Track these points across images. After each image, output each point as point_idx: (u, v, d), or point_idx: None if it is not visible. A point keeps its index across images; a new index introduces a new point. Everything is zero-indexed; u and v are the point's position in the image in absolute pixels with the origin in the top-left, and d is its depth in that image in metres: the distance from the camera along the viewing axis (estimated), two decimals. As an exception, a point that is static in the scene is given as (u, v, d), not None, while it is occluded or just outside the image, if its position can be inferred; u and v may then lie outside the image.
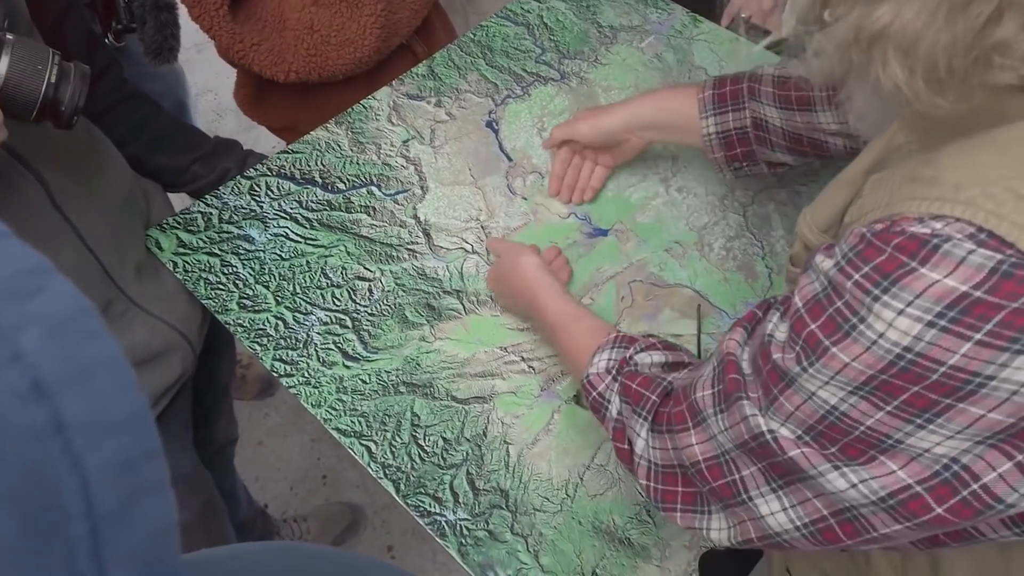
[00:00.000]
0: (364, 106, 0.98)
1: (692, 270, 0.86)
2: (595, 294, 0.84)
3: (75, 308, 0.20)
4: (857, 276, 0.40)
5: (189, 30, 1.07)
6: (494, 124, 0.97)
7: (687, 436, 0.52)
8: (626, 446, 0.58)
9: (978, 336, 0.36)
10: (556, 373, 0.78)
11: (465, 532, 0.69)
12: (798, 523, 0.47)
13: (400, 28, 1.04)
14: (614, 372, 0.61)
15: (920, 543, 0.47)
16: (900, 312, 0.38)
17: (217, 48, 1.02)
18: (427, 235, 0.88)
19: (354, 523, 1.51)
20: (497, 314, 0.82)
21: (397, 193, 0.91)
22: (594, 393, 0.61)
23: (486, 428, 0.75)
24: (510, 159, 0.94)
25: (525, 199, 0.91)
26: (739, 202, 0.90)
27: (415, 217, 0.89)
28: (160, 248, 0.85)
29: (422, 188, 0.91)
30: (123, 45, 1.19)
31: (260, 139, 2.14)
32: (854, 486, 0.43)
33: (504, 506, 0.71)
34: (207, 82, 2.09)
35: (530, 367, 0.79)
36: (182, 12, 1.06)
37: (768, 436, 0.46)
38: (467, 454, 0.73)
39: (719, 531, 0.53)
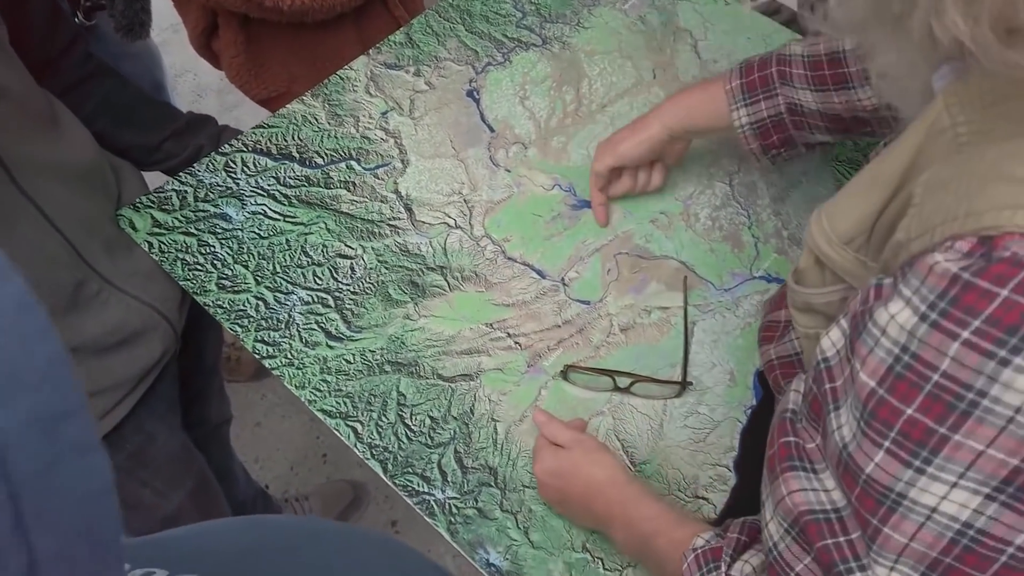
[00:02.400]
0: (341, 77, 0.95)
1: (678, 241, 0.85)
2: (580, 267, 0.83)
3: (18, 304, 0.18)
4: (966, 334, 0.30)
5: (164, 10, 1.04)
6: (475, 93, 0.95)
7: None
8: None
9: None
10: (543, 348, 0.78)
11: (454, 511, 0.69)
12: None
13: None
14: None
15: None
16: None
17: None
18: (409, 210, 0.86)
19: (357, 500, 1.52)
20: (482, 290, 0.81)
21: (377, 167, 0.89)
22: None
23: (473, 406, 0.75)
24: (492, 130, 0.92)
25: (508, 171, 0.89)
26: (725, 170, 0.89)
27: (396, 192, 0.87)
28: (134, 228, 0.82)
29: (403, 162, 0.89)
30: (94, 24, 1.15)
31: (242, 120, 2.09)
32: None
33: (493, 483, 0.71)
34: (185, 63, 2.03)
35: (516, 343, 0.78)
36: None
37: None
38: (454, 432, 0.73)
39: None
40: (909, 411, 0.32)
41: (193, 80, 2.19)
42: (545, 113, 0.94)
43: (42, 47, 0.78)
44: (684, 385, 0.74)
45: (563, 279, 0.82)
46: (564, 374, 0.75)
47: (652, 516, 0.59)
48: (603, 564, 0.67)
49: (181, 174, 0.86)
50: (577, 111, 0.94)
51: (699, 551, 0.53)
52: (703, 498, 0.70)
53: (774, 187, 0.88)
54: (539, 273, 0.82)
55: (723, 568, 0.50)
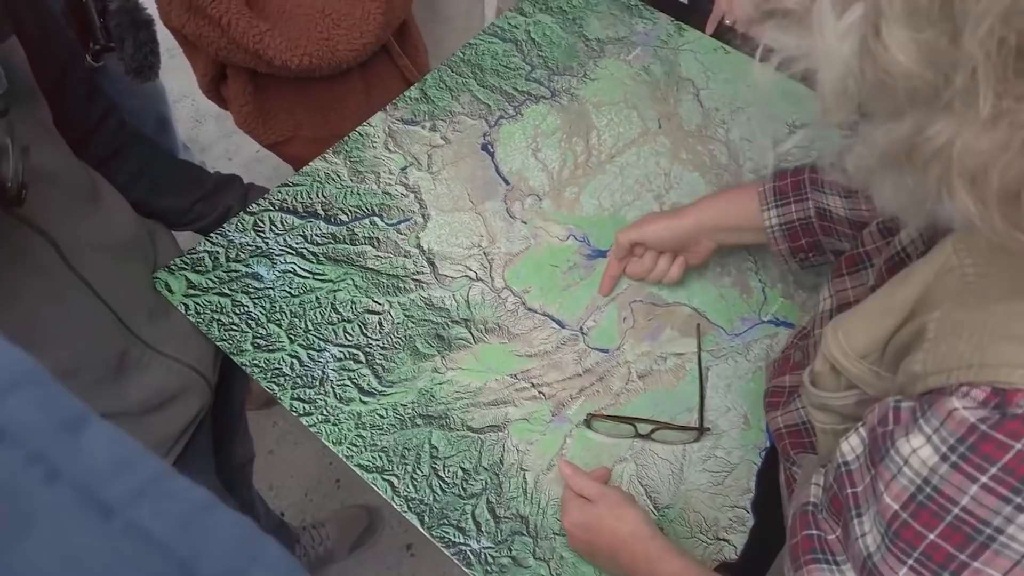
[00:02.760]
0: (360, 133, 0.99)
1: (689, 288, 0.89)
2: (597, 316, 0.87)
3: (287, 570, 0.22)
4: (984, 479, 0.34)
5: (159, 35, 1.07)
6: (489, 147, 0.99)
7: None
8: None
9: None
10: (565, 397, 0.82)
11: (490, 560, 0.73)
12: None
13: (396, 12, 1.09)
14: None
15: None
16: None
17: (210, 49, 1.03)
18: (432, 264, 0.90)
19: (372, 525, 1.55)
20: (505, 341, 0.85)
21: (399, 222, 0.93)
22: None
23: (502, 456, 0.78)
24: (507, 182, 0.96)
25: (524, 223, 0.93)
26: (731, 217, 0.93)
27: (419, 246, 0.91)
28: (170, 291, 0.86)
29: (423, 216, 0.93)
30: (102, 65, 1.19)
31: (241, 145, 2.13)
32: None
33: (525, 532, 0.75)
34: (183, 88, 2.07)
35: (540, 393, 0.82)
36: (158, 27, 1.06)
37: None
38: (486, 483, 0.77)
39: None
40: (931, 536, 0.36)
41: (192, 105, 2.23)
42: (557, 165, 0.98)
43: (81, 123, 0.81)
44: (702, 431, 0.79)
45: (582, 328, 0.86)
46: (587, 423, 0.79)
47: (675, 573, 0.62)
48: (633, 607, 0.71)
49: (213, 235, 0.90)
50: (587, 162, 0.98)
51: None
52: (724, 539, 0.74)
53: (778, 233, 0.92)
54: (559, 323, 0.87)
55: None
